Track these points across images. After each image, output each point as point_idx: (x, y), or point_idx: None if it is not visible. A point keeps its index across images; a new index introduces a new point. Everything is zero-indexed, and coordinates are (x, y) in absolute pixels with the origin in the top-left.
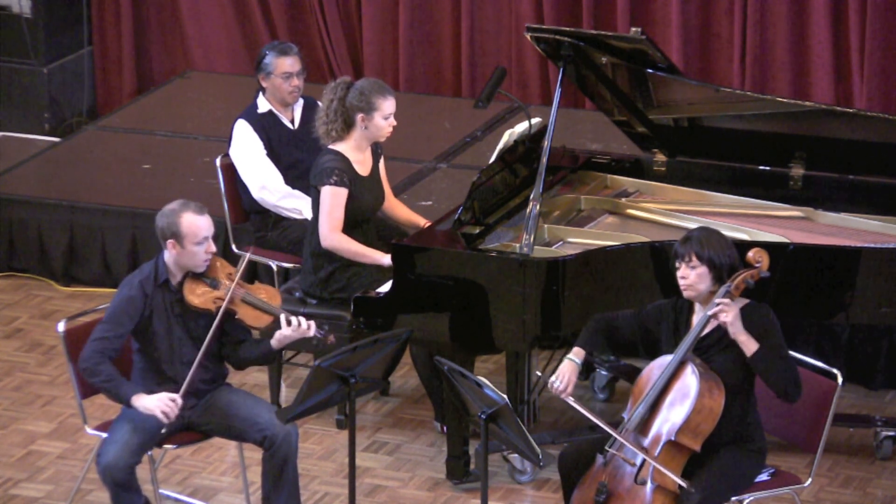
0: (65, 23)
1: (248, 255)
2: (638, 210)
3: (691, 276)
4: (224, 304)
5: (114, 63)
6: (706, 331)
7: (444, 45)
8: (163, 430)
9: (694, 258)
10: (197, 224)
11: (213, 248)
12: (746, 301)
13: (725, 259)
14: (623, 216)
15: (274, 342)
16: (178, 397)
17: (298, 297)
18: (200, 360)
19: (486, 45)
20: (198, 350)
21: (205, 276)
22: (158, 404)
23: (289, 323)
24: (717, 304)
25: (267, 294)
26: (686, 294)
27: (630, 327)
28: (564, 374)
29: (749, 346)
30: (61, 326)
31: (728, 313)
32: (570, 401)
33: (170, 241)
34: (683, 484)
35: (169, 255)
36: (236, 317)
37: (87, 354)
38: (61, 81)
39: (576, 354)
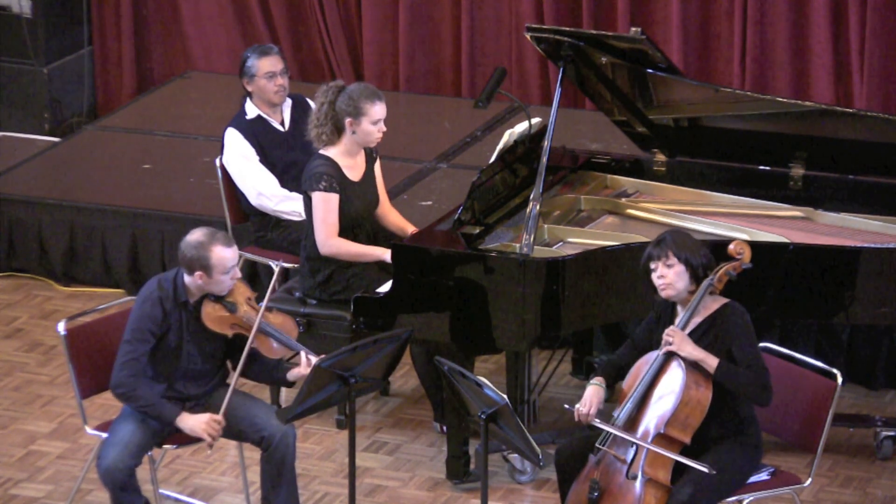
0: (65, 23)
1: (274, 276)
2: (638, 210)
3: (669, 275)
4: (251, 338)
5: (114, 63)
6: (688, 329)
7: (444, 45)
8: (208, 452)
9: (671, 256)
10: (226, 256)
11: (238, 275)
12: (725, 301)
13: (701, 259)
14: (623, 216)
15: (290, 377)
16: (221, 418)
17: (298, 297)
18: (230, 397)
19: (486, 45)
20: (206, 364)
21: (224, 299)
22: (205, 427)
23: (308, 362)
24: (664, 338)
25: (282, 324)
26: (665, 293)
27: (630, 356)
28: (587, 398)
29: (709, 363)
30: (61, 326)
31: (674, 342)
32: (597, 422)
33: (198, 272)
34: (692, 462)
35: (191, 280)
36: (253, 345)
37: (122, 380)
38: (61, 81)
39: (599, 381)
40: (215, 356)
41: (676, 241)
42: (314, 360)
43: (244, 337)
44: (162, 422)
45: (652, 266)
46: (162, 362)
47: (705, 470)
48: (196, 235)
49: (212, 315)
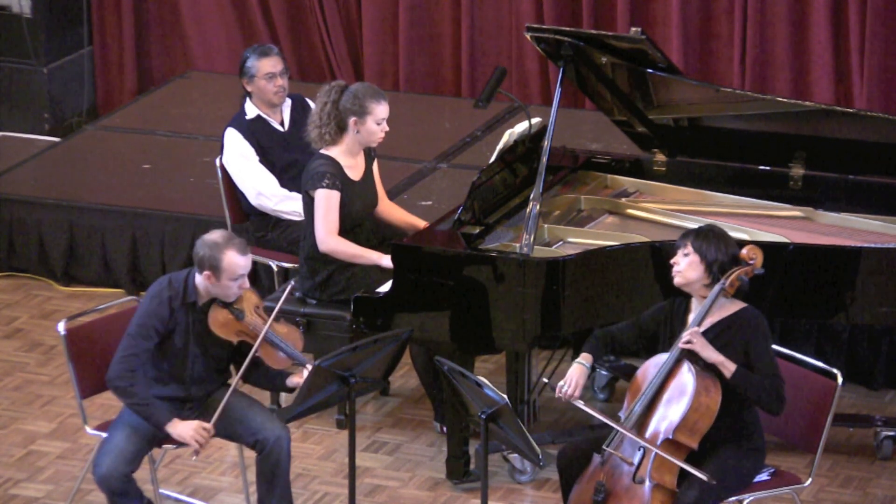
0: (65, 23)
1: (286, 291)
2: (638, 210)
3: (682, 263)
4: (255, 346)
5: (114, 63)
6: (702, 328)
7: (444, 45)
8: (193, 458)
9: (689, 246)
10: (238, 263)
11: (247, 285)
12: (742, 305)
13: (721, 255)
14: (623, 216)
15: (289, 383)
16: (210, 426)
17: (298, 297)
18: (223, 408)
19: (486, 45)
20: (210, 368)
21: (232, 306)
22: (193, 434)
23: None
24: (684, 339)
25: (288, 334)
26: (675, 280)
27: (630, 334)
28: (573, 377)
29: (727, 367)
30: (61, 326)
31: (695, 344)
32: (580, 404)
33: (207, 272)
34: (694, 471)
35: (201, 280)
36: (256, 354)
37: (119, 373)
38: (61, 81)
39: (584, 358)
40: (219, 361)
41: (700, 233)
42: None
43: (249, 345)
44: (151, 423)
45: (676, 253)
46: (167, 363)
47: (704, 478)
48: (214, 235)
49: (218, 320)
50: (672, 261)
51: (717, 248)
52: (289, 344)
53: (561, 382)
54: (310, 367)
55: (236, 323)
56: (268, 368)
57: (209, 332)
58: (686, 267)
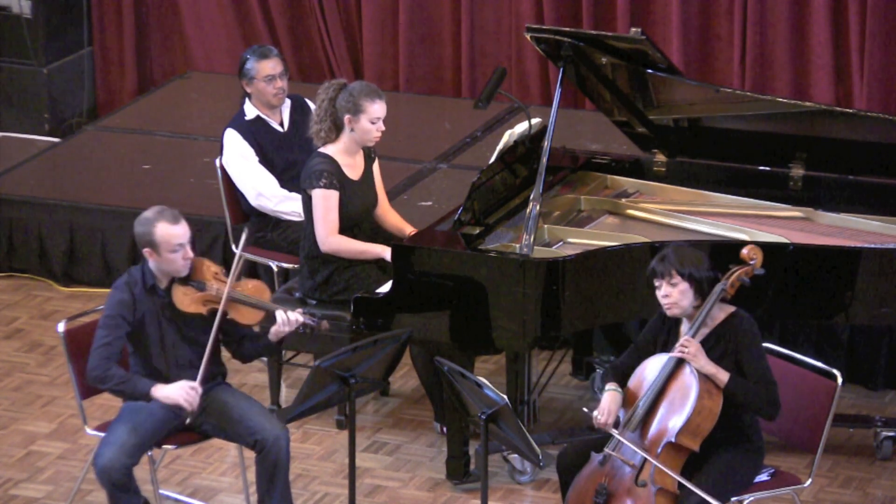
0: (65, 23)
1: (240, 255)
2: (638, 210)
3: (674, 294)
4: (221, 308)
5: (114, 63)
6: (697, 340)
7: (444, 45)
8: (187, 421)
9: (675, 275)
10: (170, 232)
11: (191, 255)
12: (733, 309)
13: (705, 272)
14: (623, 216)
15: (271, 336)
16: (197, 385)
17: (298, 297)
18: (205, 366)
19: (486, 45)
20: (193, 351)
21: (191, 280)
22: (181, 393)
23: (286, 319)
24: (678, 346)
25: (254, 289)
26: (671, 312)
27: (635, 362)
28: (606, 406)
29: (720, 377)
30: (61, 326)
31: (689, 352)
32: (614, 433)
33: (146, 249)
34: (693, 487)
35: (151, 262)
36: (229, 316)
37: (94, 363)
38: (61, 81)
39: (615, 386)
40: (199, 341)
41: (679, 258)
42: (292, 314)
43: (223, 314)
44: (138, 396)
45: (656, 283)
46: (151, 356)
47: (702, 494)
48: (146, 212)
49: (183, 298)
50: (662, 294)
51: (700, 266)
52: (255, 297)
53: (595, 413)
54: (279, 311)
55: (201, 294)
56: (251, 336)
57: (179, 313)
58: (679, 297)
